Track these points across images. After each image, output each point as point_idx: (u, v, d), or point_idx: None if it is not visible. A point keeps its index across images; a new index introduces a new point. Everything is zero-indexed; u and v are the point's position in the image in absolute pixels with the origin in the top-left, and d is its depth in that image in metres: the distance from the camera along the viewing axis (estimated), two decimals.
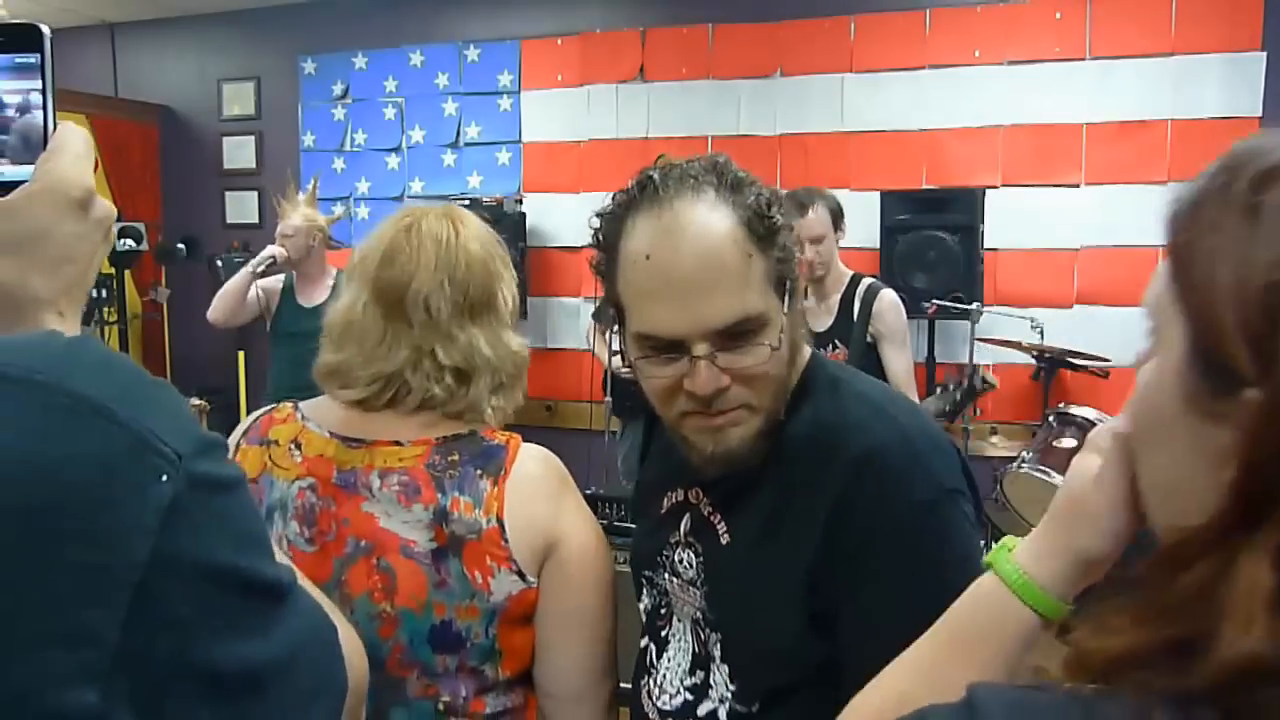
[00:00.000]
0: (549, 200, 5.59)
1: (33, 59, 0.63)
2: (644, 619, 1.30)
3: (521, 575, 1.21)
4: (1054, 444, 3.51)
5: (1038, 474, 3.41)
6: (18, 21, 0.64)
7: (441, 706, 1.22)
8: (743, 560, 1.12)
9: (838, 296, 3.41)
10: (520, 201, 5.50)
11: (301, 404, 1.33)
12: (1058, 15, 4.68)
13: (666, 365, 1.04)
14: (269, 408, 1.34)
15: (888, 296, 3.40)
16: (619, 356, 4.45)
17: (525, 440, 1.30)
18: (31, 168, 0.62)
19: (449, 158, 5.80)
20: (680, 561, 1.21)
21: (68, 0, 5.89)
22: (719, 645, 1.14)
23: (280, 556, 0.64)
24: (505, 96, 5.67)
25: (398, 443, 1.24)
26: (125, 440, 0.51)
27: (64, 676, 0.47)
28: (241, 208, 6.28)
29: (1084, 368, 4.18)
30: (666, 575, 1.24)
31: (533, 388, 6.08)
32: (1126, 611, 0.54)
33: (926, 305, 4.30)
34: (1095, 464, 0.71)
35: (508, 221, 5.27)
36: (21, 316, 0.62)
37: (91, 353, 0.55)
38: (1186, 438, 0.58)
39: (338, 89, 6.02)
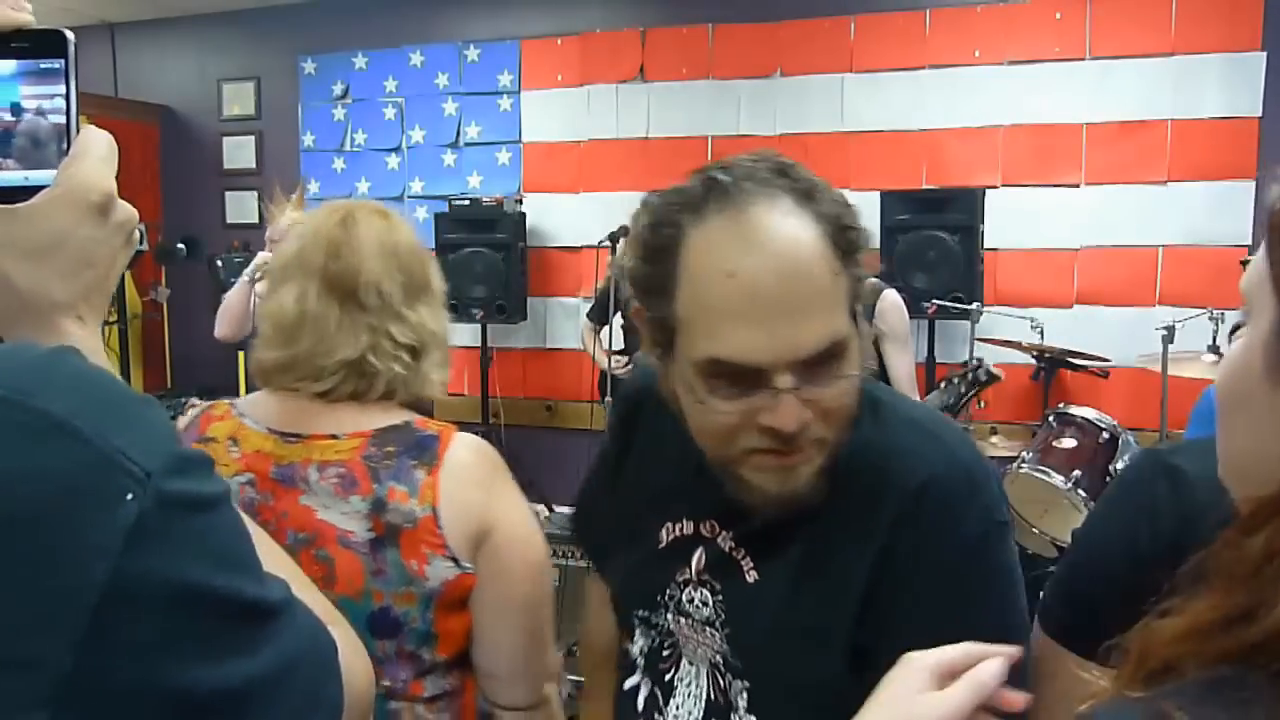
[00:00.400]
0: (549, 200, 5.59)
1: (57, 64, 0.64)
2: (638, 659, 1.16)
3: (456, 561, 1.25)
4: (1054, 444, 3.51)
5: (1038, 474, 3.41)
6: (43, 28, 0.64)
7: (382, 690, 1.25)
8: (777, 600, 1.02)
9: None
10: (520, 201, 5.50)
11: (238, 401, 1.37)
12: (1058, 15, 4.68)
13: (738, 398, 0.90)
14: (207, 405, 1.38)
15: (890, 297, 3.43)
16: (618, 357, 4.49)
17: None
18: (54, 173, 0.62)
19: (449, 158, 5.80)
20: (690, 601, 1.09)
21: (68, 0, 5.89)
22: (745, 693, 1.05)
23: (276, 572, 0.63)
24: (505, 96, 5.67)
25: (334, 436, 1.28)
26: (89, 458, 0.49)
27: (12, 700, 0.46)
28: (241, 208, 6.28)
29: (1084, 368, 4.18)
30: (670, 615, 1.11)
31: (533, 388, 6.12)
32: (1192, 592, 0.56)
33: (926, 305, 4.31)
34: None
35: (508, 221, 5.27)
36: (41, 320, 0.62)
37: (66, 367, 0.54)
38: (1266, 406, 0.60)
39: (338, 89, 6.02)
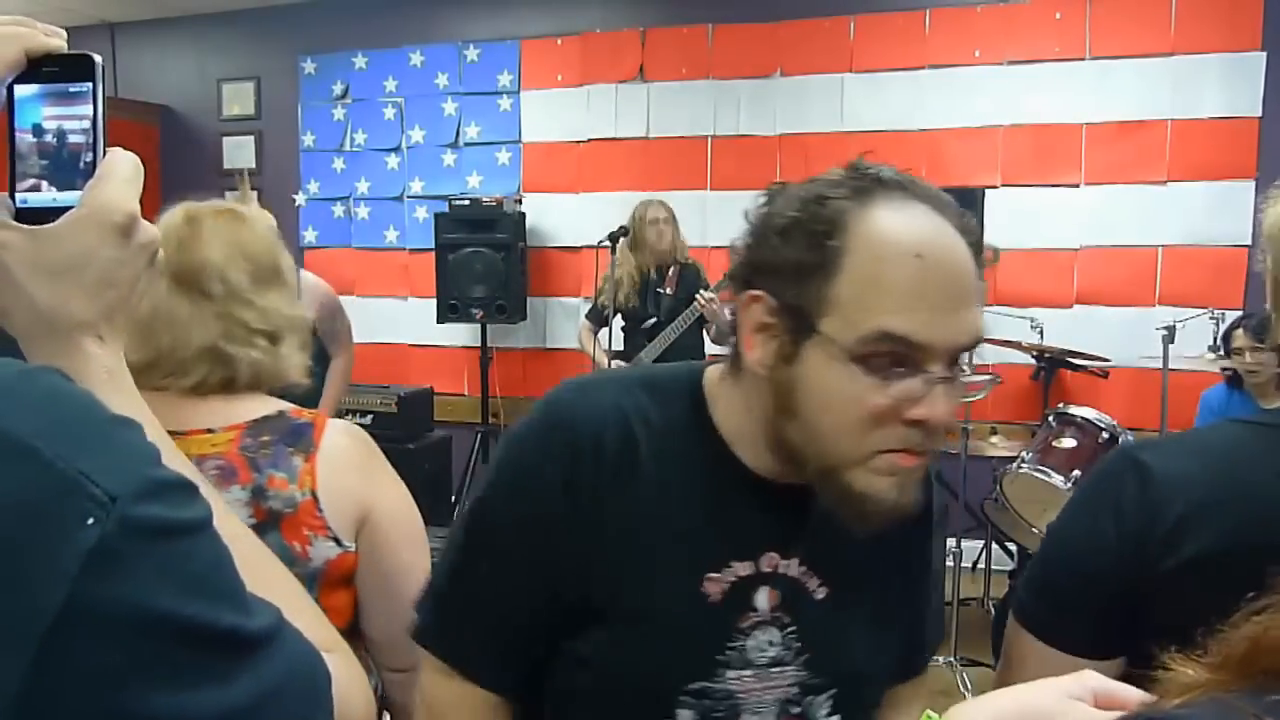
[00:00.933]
0: (549, 200, 5.59)
1: (85, 87, 0.65)
2: None
3: (338, 541, 1.31)
4: (1054, 444, 3.51)
5: (1038, 474, 3.41)
6: (73, 52, 0.66)
7: None
8: (844, 607, 1.03)
9: None
10: (520, 201, 5.50)
11: None
12: (1057, 15, 4.68)
13: (890, 382, 0.88)
14: None
15: None
16: (616, 360, 4.48)
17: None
18: (80, 194, 0.63)
19: (449, 158, 5.80)
20: (756, 647, 1.02)
21: (68, 0, 5.89)
22: (829, 702, 1.05)
23: (273, 595, 0.62)
24: (505, 96, 5.67)
25: (209, 430, 1.32)
26: (48, 481, 0.48)
27: None
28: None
29: (1083, 368, 4.18)
30: (733, 673, 1.02)
31: (532, 387, 6.12)
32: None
33: None
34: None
35: (507, 221, 5.27)
36: (62, 339, 0.63)
37: (38, 386, 0.53)
38: None
39: (338, 89, 6.02)
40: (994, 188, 4.72)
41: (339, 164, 6.03)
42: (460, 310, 5.26)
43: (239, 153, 6.27)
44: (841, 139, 5.03)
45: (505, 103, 5.67)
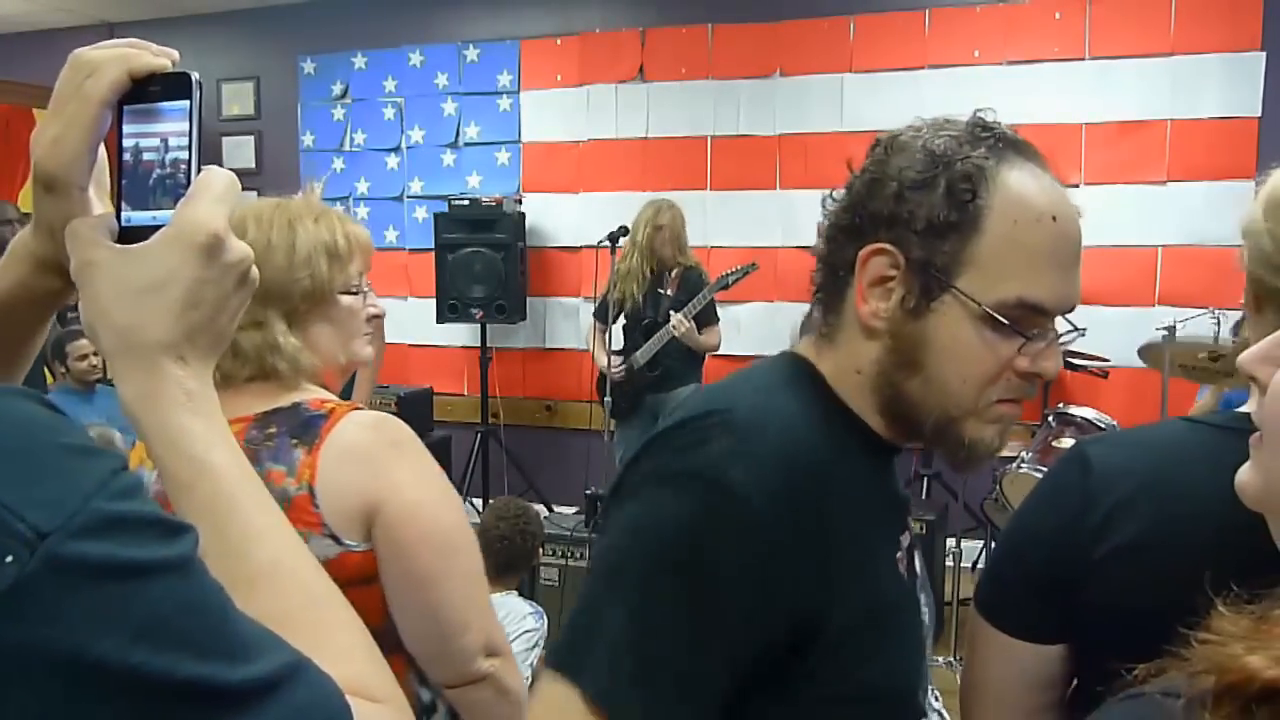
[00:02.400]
0: (548, 200, 5.59)
1: (183, 105, 0.66)
2: None
3: (336, 539, 1.22)
4: (1053, 444, 3.51)
5: (1037, 474, 3.41)
6: (174, 71, 0.67)
7: None
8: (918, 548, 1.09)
9: None
10: (520, 201, 5.50)
11: None
12: (1057, 15, 4.68)
13: (1017, 339, 0.89)
14: None
15: None
16: (615, 359, 4.50)
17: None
18: (173, 212, 0.64)
19: (448, 158, 5.80)
20: (926, 616, 1.06)
21: (68, 0, 5.89)
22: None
23: (312, 637, 0.59)
24: (505, 96, 5.67)
25: None
26: None
27: None
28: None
29: (1083, 368, 4.18)
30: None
31: (532, 388, 6.09)
32: None
33: None
34: None
35: (507, 221, 5.27)
36: (142, 359, 0.62)
37: None
38: None
39: (337, 89, 6.02)
40: None
41: (339, 164, 6.03)
42: (460, 310, 5.26)
43: (238, 153, 6.27)
44: (841, 139, 5.02)
45: (505, 103, 5.67)
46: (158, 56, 0.67)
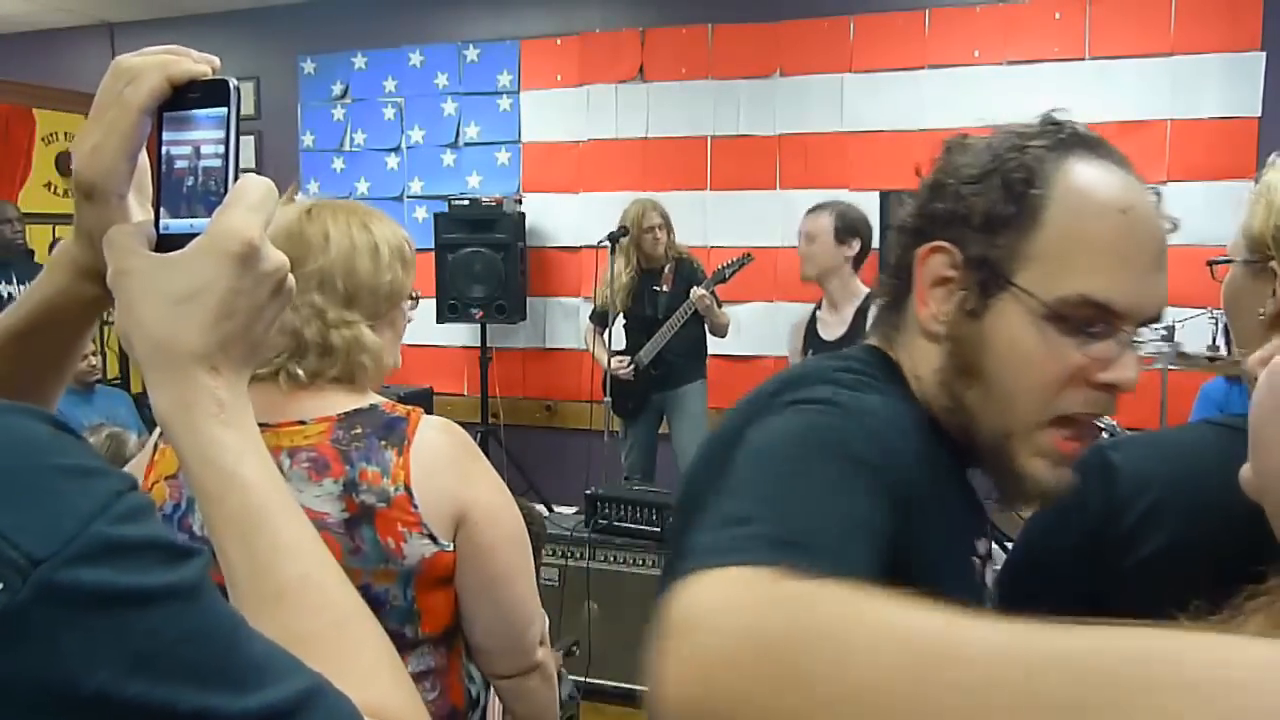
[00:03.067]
0: (548, 200, 5.59)
1: (221, 112, 0.65)
2: None
3: (434, 539, 1.28)
4: None
5: None
6: (213, 78, 0.66)
7: None
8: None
9: (852, 309, 3.59)
10: (520, 201, 5.50)
11: None
12: (1057, 15, 4.68)
13: (1085, 341, 0.83)
14: None
15: None
16: (619, 358, 4.50)
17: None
18: (209, 220, 0.63)
19: (448, 158, 5.80)
20: None
21: (68, 0, 5.89)
22: None
23: (334, 655, 0.58)
24: (505, 96, 5.67)
25: (301, 422, 1.30)
26: None
27: None
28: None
29: None
30: None
31: (532, 388, 6.08)
32: None
33: None
34: None
35: (507, 221, 5.27)
36: (174, 369, 0.61)
37: None
38: None
39: (337, 89, 6.02)
40: None
41: (339, 164, 6.03)
42: (460, 310, 5.26)
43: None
44: (841, 139, 5.03)
45: (505, 103, 5.67)
46: (199, 63, 0.66)
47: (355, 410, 1.32)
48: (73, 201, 0.68)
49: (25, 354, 0.73)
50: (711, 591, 0.56)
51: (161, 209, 0.65)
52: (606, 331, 4.53)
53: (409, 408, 1.36)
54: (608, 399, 4.40)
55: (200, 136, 0.65)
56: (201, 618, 0.50)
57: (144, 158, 0.68)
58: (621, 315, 4.57)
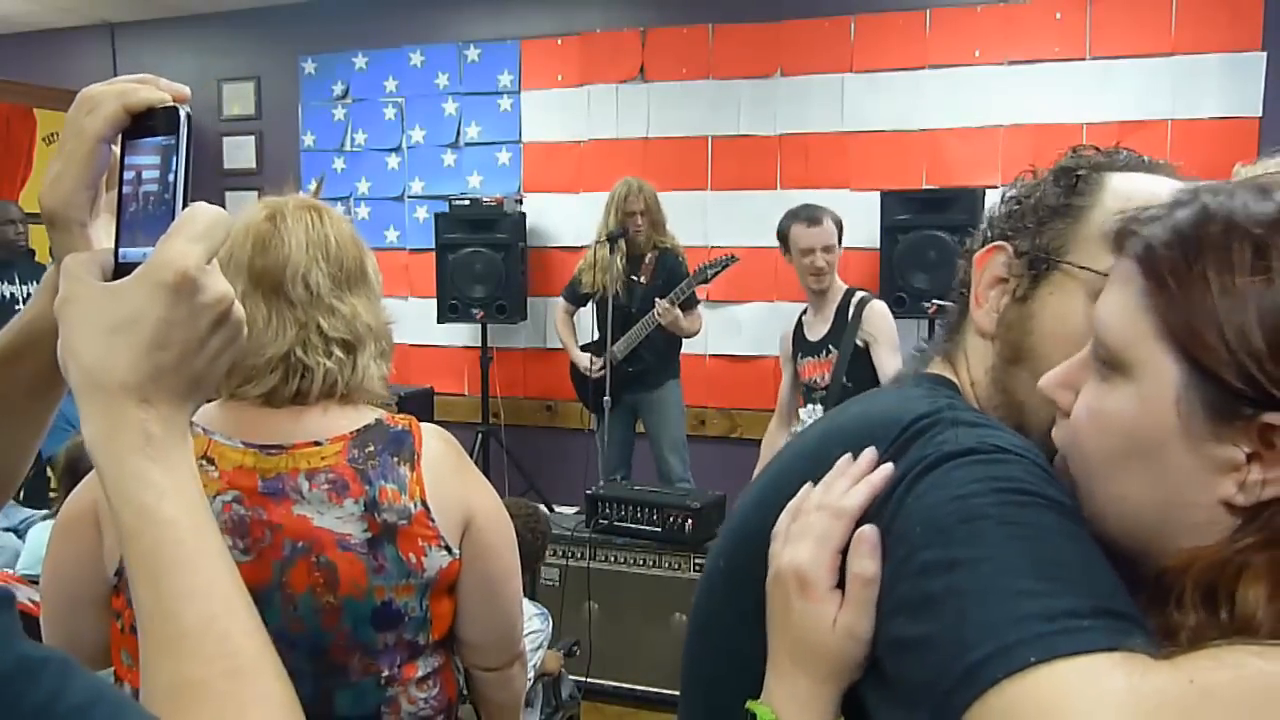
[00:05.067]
0: (549, 200, 5.59)
1: (172, 140, 0.65)
2: None
3: (449, 549, 1.31)
4: None
5: None
6: (166, 106, 0.66)
7: (382, 680, 1.30)
8: None
9: (834, 307, 3.63)
10: (520, 201, 5.50)
11: (194, 419, 1.36)
12: (1058, 15, 4.68)
13: None
14: None
15: (878, 305, 3.62)
16: (589, 355, 4.47)
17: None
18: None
19: (449, 158, 5.80)
20: None
21: (67, 0, 5.89)
22: None
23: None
24: (505, 96, 5.67)
25: (317, 443, 1.30)
26: None
27: None
28: (241, 208, 6.28)
29: None
30: None
31: (532, 388, 6.09)
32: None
33: (926, 305, 4.30)
34: (824, 610, 0.73)
35: (508, 221, 5.27)
36: (104, 399, 0.60)
37: None
38: (1176, 464, 0.65)
39: (338, 89, 6.02)
40: (994, 187, 4.70)
41: (339, 164, 6.03)
42: (460, 310, 5.26)
43: (239, 153, 6.27)
44: (842, 139, 5.03)
45: (505, 103, 5.67)
46: (161, 91, 0.66)
47: (365, 427, 1.33)
48: None
49: (13, 376, 0.74)
50: (1080, 696, 0.56)
51: (120, 237, 0.65)
52: (579, 314, 4.49)
53: (405, 417, 1.37)
54: (607, 399, 4.38)
55: (153, 164, 0.65)
56: (39, 689, 0.47)
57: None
58: (591, 302, 4.48)
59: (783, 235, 3.66)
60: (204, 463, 1.29)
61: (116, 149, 0.68)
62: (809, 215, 3.61)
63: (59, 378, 0.75)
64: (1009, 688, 0.56)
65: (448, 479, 1.33)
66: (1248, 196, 0.65)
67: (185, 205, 0.63)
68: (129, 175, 0.66)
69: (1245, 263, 0.62)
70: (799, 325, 3.75)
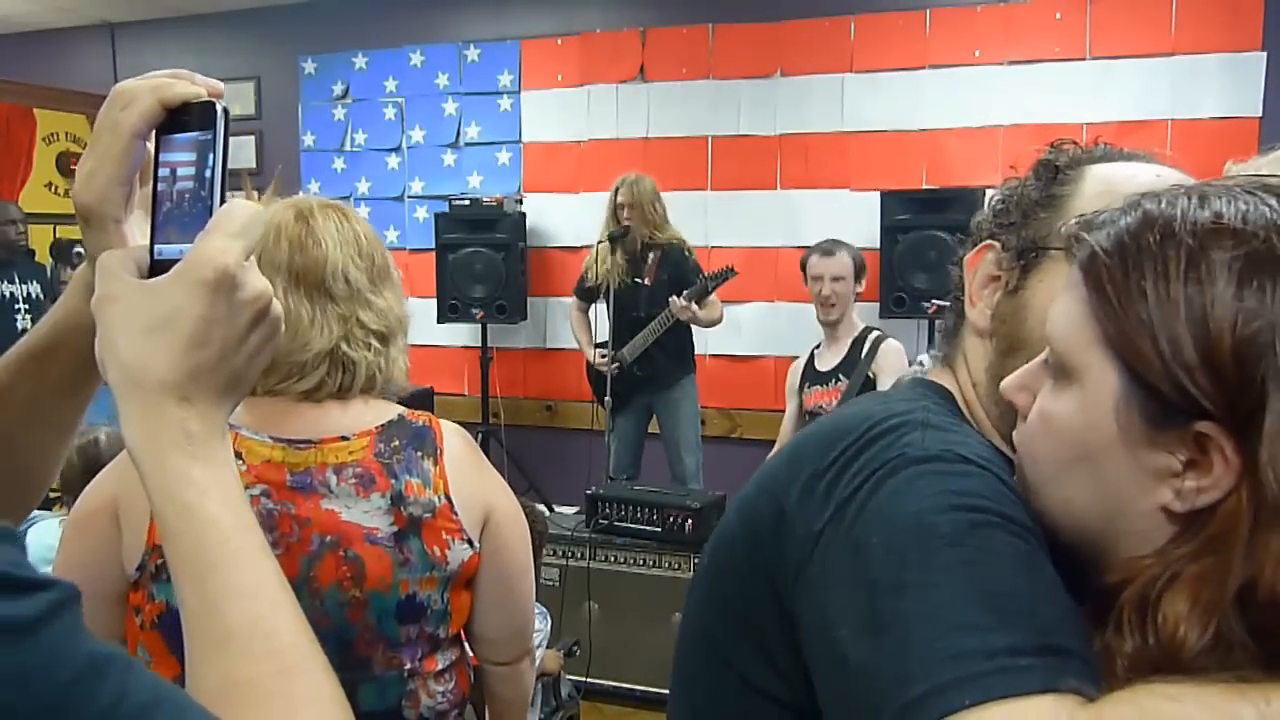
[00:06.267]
0: (549, 200, 5.59)
1: (209, 135, 0.64)
2: None
3: (471, 543, 1.34)
4: None
5: None
6: (202, 100, 0.65)
7: (405, 673, 1.32)
8: None
9: (849, 341, 3.67)
10: (520, 201, 5.50)
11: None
12: (1058, 15, 4.68)
13: None
14: None
15: (893, 344, 3.66)
16: (601, 350, 4.47)
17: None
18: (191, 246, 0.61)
19: (449, 158, 5.80)
20: None
21: (67, 0, 5.89)
22: None
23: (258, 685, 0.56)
24: (505, 96, 5.67)
25: (344, 438, 1.32)
26: None
27: None
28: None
29: None
30: None
31: (533, 388, 6.10)
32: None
33: (926, 305, 4.30)
34: None
35: (508, 221, 5.27)
36: (143, 398, 0.59)
37: None
38: (1117, 468, 0.65)
39: (338, 89, 6.02)
40: (994, 187, 4.70)
41: (339, 164, 6.03)
42: (460, 310, 5.26)
43: (239, 152, 6.27)
44: (842, 139, 5.03)
45: (505, 103, 5.67)
46: (196, 85, 0.65)
47: (390, 422, 1.35)
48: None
49: (42, 375, 0.73)
50: None
51: (156, 234, 0.64)
52: (590, 309, 4.49)
53: (425, 414, 1.40)
54: (608, 399, 4.38)
55: (189, 160, 0.64)
56: (29, 658, 0.45)
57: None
58: (604, 301, 4.46)
59: (802, 264, 3.77)
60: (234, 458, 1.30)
61: (150, 145, 0.67)
62: (825, 247, 3.72)
63: (88, 378, 0.75)
64: None
65: (469, 474, 1.36)
66: (1189, 203, 0.65)
67: (222, 202, 0.63)
68: (164, 171, 0.65)
69: (1179, 272, 0.62)
70: (810, 358, 3.78)
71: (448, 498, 1.32)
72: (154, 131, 0.66)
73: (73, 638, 0.47)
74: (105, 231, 0.65)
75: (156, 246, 0.64)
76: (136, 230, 0.67)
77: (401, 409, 1.39)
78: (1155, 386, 0.62)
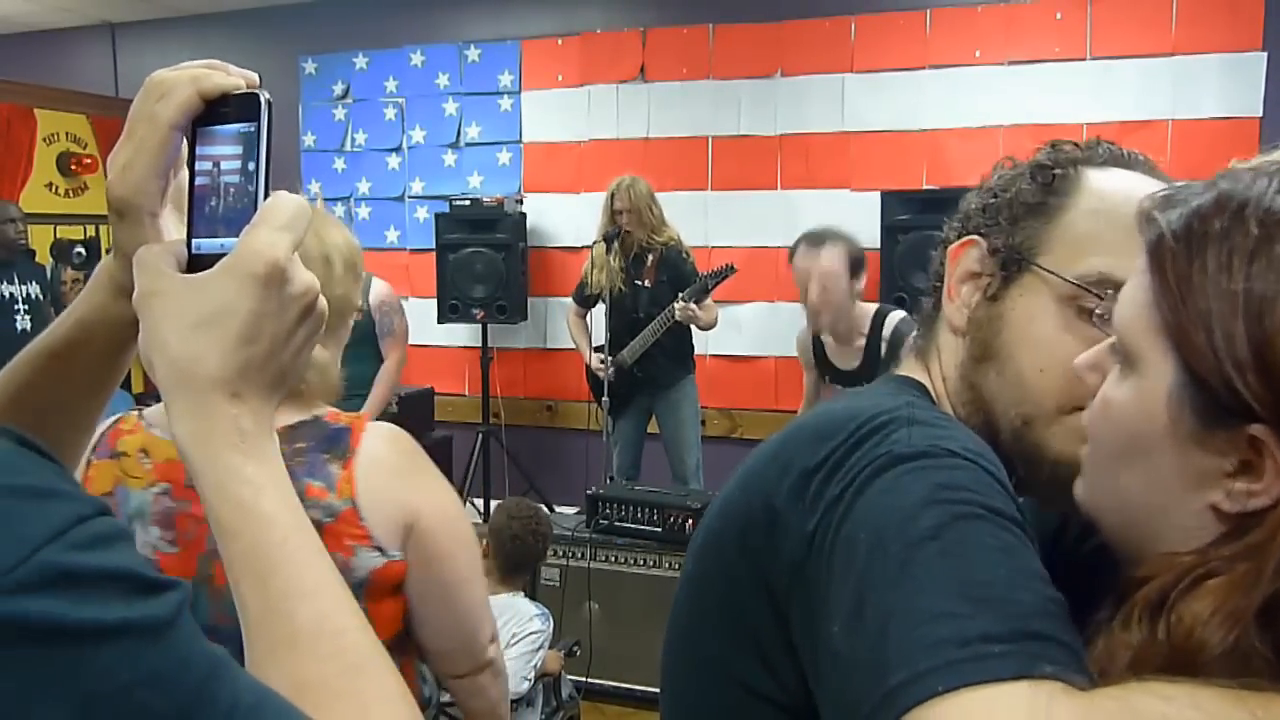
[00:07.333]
0: (549, 200, 5.59)
1: (252, 128, 0.63)
2: None
3: (382, 551, 1.27)
4: None
5: None
6: (244, 92, 0.64)
7: None
8: None
9: (863, 339, 3.38)
10: (520, 201, 5.50)
11: (146, 412, 1.35)
12: (1058, 15, 4.68)
13: (1100, 327, 0.82)
14: (114, 420, 1.36)
15: (898, 314, 3.41)
16: (599, 354, 4.46)
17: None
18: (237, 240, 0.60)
19: (449, 158, 5.80)
20: None
21: (68, 0, 5.89)
22: None
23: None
24: (505, 96, 5.67)
25: None
26: None
27: None
28: None
29: None
30: None
31: (532, 388, 6.10)
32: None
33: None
34: None
35: (508, 221, 5.27)
36: (194, 395, 0.58)
37: None
38: (1167, 463, 0.63)
39: (338, 89, 6.02)
40: None
41: (340, 164, 6.03)
42: (461, 310, 5.27)
43: None
44: (842, 139, 5.03)
45: (506, 103, 5.67)
46: (233, 76, 0.64)
47: (298, 423, 1.30)
48: (107, 212, 0.66)
49: (65, 372, 0.72)
50: None
51: (193, 228, 0.63)
52: (588, 315, 4.47)
53: (353, 416, 1.35)
54: (605, 399, 4.38)
55: (230, 153, 0.63)
56: (168, 659, 0.46)
57: (185, 175, 0.66)
58: (604, 304, 4.45)
59: (790, 255, 3.42)
60: (140, 455, 1.29)
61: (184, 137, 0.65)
62: (813, 236, 3.32)
63: (112, 375, 0.74)
64: (918, 716, 0.57)
65: (386, 479, 1.29)
66: (1267, 186, 0.61)
67: (267, 195, 0.62)
68: (203, 164, 0.63)
69: (1243, 263, 0.58)
70: (819, 346, 3.50)
71: (353, 503, 1.26)
72: (190, 124, 0.64)
73: (197, 638, 0.48)
74: (140, 225, 0.64)
75: (195, 241, 0.62)
76: (170, 224, 0.66)
77: (323, 410, 1.34)
78: (1207, 382, 0.59)
